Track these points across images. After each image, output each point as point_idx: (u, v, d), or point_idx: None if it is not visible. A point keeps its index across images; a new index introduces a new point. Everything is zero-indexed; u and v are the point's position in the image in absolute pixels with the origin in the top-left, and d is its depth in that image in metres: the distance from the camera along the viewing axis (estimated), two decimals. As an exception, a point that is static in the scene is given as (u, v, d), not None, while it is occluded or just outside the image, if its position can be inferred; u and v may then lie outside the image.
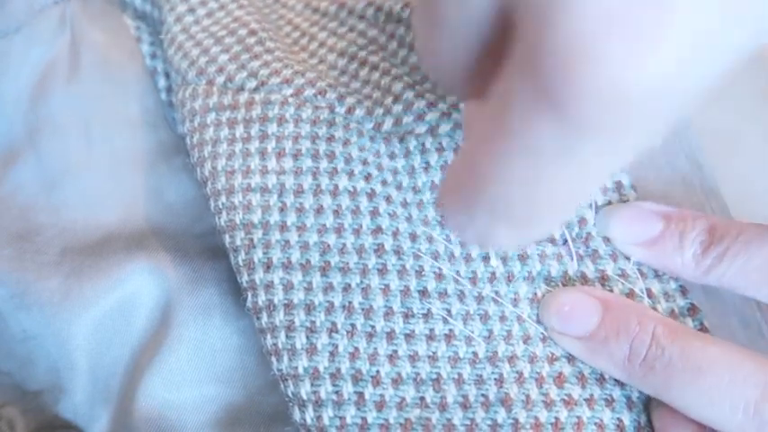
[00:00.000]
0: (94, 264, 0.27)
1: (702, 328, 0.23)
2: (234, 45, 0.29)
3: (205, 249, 0.28)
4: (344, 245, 0.24)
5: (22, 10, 0.31)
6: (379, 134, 0.28)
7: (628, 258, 0.25)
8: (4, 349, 0.27)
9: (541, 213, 0.16)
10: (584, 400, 0.22)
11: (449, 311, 0.23)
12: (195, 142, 0.27)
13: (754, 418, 0.19)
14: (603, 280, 0.25)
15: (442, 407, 0.22)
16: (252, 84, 0.28)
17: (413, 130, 0.27)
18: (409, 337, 0.23)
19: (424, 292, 0.24)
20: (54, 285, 0.26)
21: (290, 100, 0.28)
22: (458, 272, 0.25)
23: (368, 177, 0.26)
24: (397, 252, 0.24)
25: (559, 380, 0.23)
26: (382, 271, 0.24)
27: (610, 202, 0.26)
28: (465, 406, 0.22)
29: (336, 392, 0.21)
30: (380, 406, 0.21)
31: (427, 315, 0.23)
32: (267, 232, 0.24)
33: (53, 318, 0.26)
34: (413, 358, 0.22)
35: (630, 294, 0.24)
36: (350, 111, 0.28)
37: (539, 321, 0.24)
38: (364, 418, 0.21)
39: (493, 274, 0.25)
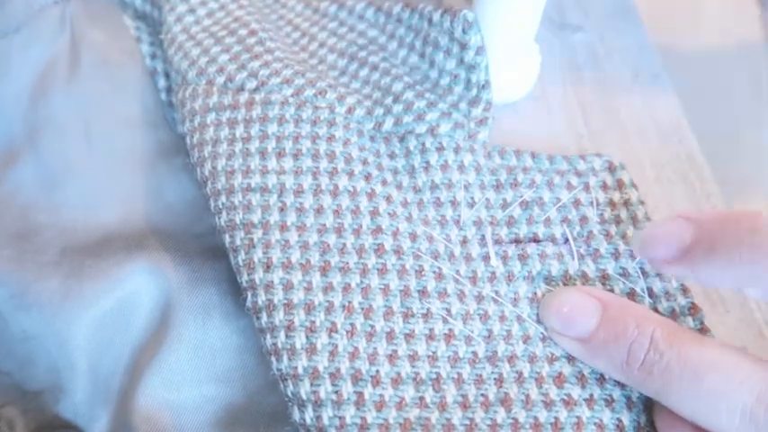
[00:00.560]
0: (94, 264, 0.27)
1: (703, 328, 0.23)
2: (234, 45, 0.29)
3: (205, 249, 0.28)
4: (344, 245, 0.24)
5: (21, 10, 0.31)
6: (380, 134, 0.28)
7: (630, 257, 0.25)
8: (4, 349, 0.27)
9: None
10: (584, 400, 0.22)
11: (448, 311, 0.23)
12: (195, 142, 0.27)
13: (750, 423, 0.19)
14: (604, 279, 0.25)
15: (442, 407, 0.22)
16: (252, 84, 0.28)
17: (413, 130, 0.27)
18: (409, 336, 0.23)
19: (423, 292, 0.24)
20: (54, 285, 0.26)
21: (291, 100, 0.28)
22: (458, 271, 0.25)
23: (368, 177, 0.26)
24: (397, 252, 0.24)
25: (559, 380, 0.23)
26: (382, 271, 0.24)
27: (611, 200, 0.26)
28: (464, 406, 0.22)
29: (336, 392, 0.21)
30: (380, 406, 0.21)
31: (427, 315, 0.23)
32: (267, 232, 0.24)
33: (53, 318, 0.26)
34: (412, 358, 0.22)
35: (632, 293, 0.24)
36: (350, 111, 0.28)
37: (538, 321, 0.24)
38: (364, 418, 0.21)
39: (493, 273, 0.25)
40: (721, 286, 0.25)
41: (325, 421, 0.21)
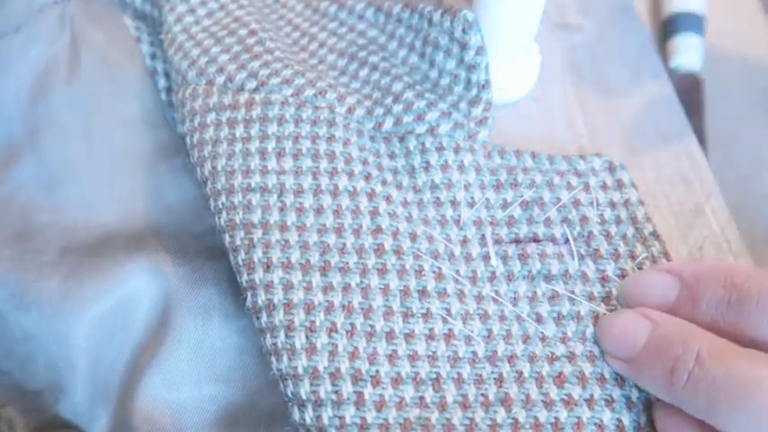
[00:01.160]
0: (94, 264, 0.27)
1: None
2: (234, 45, 0.29)
3: (205, 249, 0.28)
4: (344, 245, 0.24)
5: (21, 10, 0.31)
6: (380, 134, 0.28)
7: (631, 258, 0.25)
8: (4, 349, 0.27)
9: None
10: (584, 400, 0.22)
11: (448, 311, 0.23)
12: (195, 142, 0.27)
13: None
14: (604, 281, 0.25)
15: (442, 406, 0.22)
16: (252, 84, 0.28)
17: (413, 130, 0.27)
18: (409, 336, 0.23)
19: (423, 292, 0.24)
20: (54, 285, 0.26)
21: (291, 100, 0.28)
22: (457, 271, 0.25)
23: (368, 177, 0.26)
24: (397, 252, 0.24)
25: (559, 380, 0.22)
26: (382, 271, 0.24)
27: (611, 201, 0.26)
28: (464, 406, 0.22)
29: (336, 392, 0.21)
30: (380, 406, 0.21)
31: (427, 315, 0.23)
32: (267, 232, 0.24)
33: (53, 318, 0.26)
34: (412, 358, 0.22)
35: None
36: (350, 111, 0.28)
37: (538, 321, 0.24)
38: (364, 418, 0.21)
39: (493, 273, 0.25)
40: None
41: (325, 421, 0.21)
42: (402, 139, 0.27)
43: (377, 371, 0.22)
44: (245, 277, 0.24)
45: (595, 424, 0.22)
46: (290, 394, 0.22)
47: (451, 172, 0.27)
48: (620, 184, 0.27)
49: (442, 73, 0.28)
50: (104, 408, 0.26)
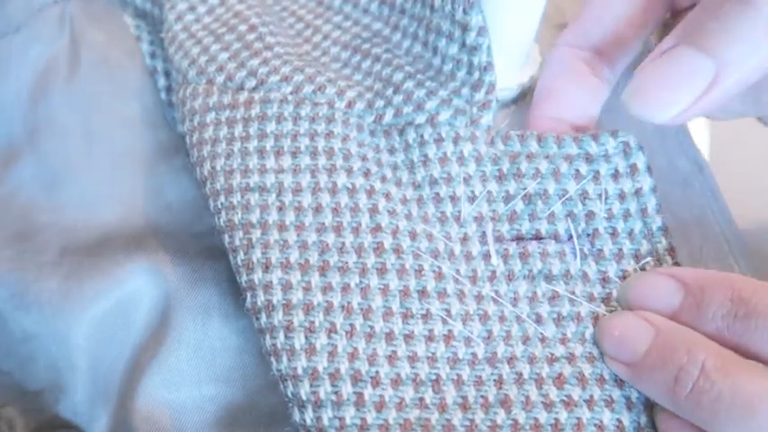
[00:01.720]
0: (94, 264, 0.27)
1: None
2: (233, 42, 0.29)
3: (204, 249, 0.28)
4: (343, 244, 0.24)
5: (21, 10, 0.31)
6: (380, 127, 0.27)
7: (635, 258, 0.24)
8: (4, 349, 0.27)
9: None
10: (584, 401, 0.22)
11: (448, 312, 0.23)
12: (195, 141, 0.27)
13: None
14: (605, 281, 0.24)
15: (442, 408, 0.22)
16: (251, 83, 0.28)
17: (412, 120, 0.27)
18: (408, 337, 0.23)
19: (423, 293, 0.24)
20: (54, 285, 0.26)
21: (289, 98, 0.27)
22: (457, 270, 0.24)
23: (367, 174, 0.26)
24: (397, 251, 0.24)
25: (559, 381, 0.22)
26: (381, 270, 0.24)
27: (622, 192, 0.25)
28: (464, 407, 0.22)
29: (336, 393, 0.21)
30: (380, 407, 0.21)
31: (426, 316, 0.23)
32: (266, 232, 0.24)
33: (53, 318, 0.26)
34: (412, 359, 0.22)
35: None
36: (350, 105, 0.27)
37: (537, 322, 0.24)
38: (364, 419, 0.21)
39: (493, 272, 0.25)
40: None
41: (326, 422, 0.21)
42: (402, 132, 0.27)
43: (376, 372, 0.22)
44: (244, 278, 0.24)
45: (595, 425, 0.22)
46: (290, 395, 0.22)
47: (450, 165, 0.26)
48: (633, 170, 0.25)
49: (444, 59, 0.27)
50: (104, 408, 0.26)
